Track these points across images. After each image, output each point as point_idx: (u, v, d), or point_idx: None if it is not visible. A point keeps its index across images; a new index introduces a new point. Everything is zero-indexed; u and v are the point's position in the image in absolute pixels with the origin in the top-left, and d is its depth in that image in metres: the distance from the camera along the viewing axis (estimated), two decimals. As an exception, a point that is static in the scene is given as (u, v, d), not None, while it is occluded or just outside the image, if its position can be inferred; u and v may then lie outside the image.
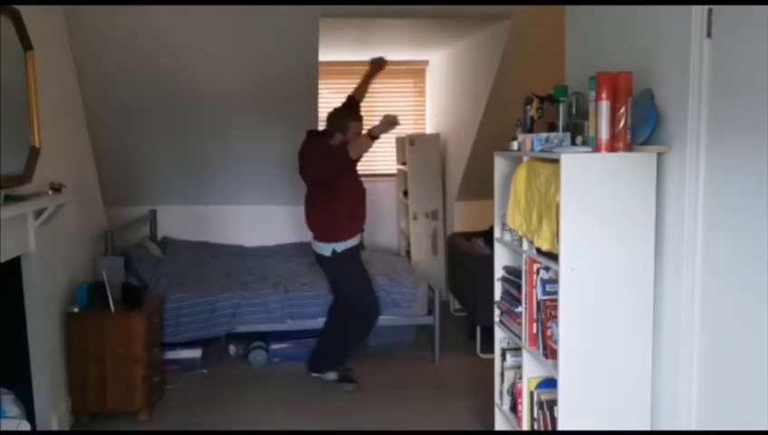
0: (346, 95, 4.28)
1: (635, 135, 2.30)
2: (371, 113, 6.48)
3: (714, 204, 2.07)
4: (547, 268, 2.51)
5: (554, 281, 2.45)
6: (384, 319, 4.55)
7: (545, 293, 2.51)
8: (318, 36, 4.09)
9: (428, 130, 6.56)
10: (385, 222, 6.36)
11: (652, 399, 2.38)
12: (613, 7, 2.59)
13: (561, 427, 2.39)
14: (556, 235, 2.33)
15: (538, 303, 2.54)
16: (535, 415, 2.65)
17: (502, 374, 3.03)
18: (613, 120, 2.27)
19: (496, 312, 3.03)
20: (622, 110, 2.25)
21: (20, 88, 3.07)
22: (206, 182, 5.26)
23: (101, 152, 4.43)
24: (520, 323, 2.70)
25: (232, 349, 4.67)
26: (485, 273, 3.27)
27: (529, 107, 2.81)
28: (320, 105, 4.80)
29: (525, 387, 2.71)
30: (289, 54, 4.17)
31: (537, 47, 4.32)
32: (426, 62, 6.48)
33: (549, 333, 2.47)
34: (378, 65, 4.29)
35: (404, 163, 6.11)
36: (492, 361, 3.15)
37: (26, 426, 3.04)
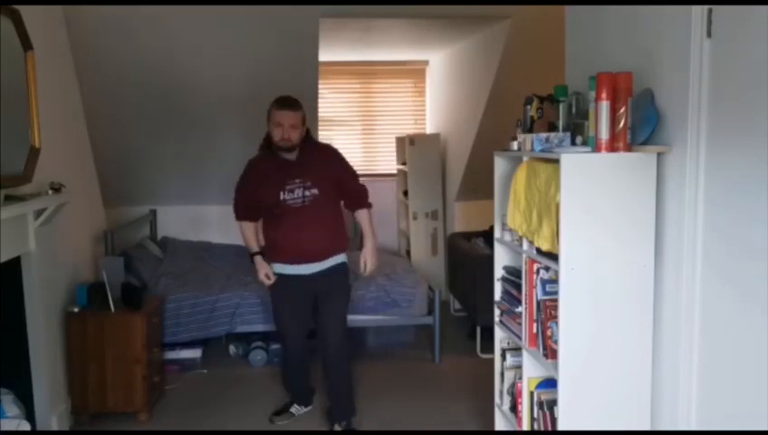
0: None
1: (635, 135, 2.30)
2: (371, 113, 6.52)
3: (714, 204, 2.07)
4: (547, 268, 2.51)
5: (554, 281, 2.45)
6: (384, 319, 4.55)
7: (545, 293, 2.51)
8: (318, 36, 4.09)
9: (428, 130, 6.56)
10: (385, 222, 6.36)
11: (652, 399, 2.38)
12: (613, 7, 2.59)
13: (561, 427, 2.39)
14: (556, 235, 2.33)
15: (538, 303, 2.54)
16: (535, 415, 2.65)
17: (502, 374, 3.03)
18: (613, 120, 2.27)
19: (496, 312, 3.02)
20: (622, 110, 2.25)
21: (20, 88, 3.07)
22: (206, 182, 5.26)
23: (101, 152, 4.43)
24: (520, 323, 2.70)
25: (232, 349, 4.67)
26: (485, 273, 3.27)
27: (529, 107, 2.81)
28: (320, 105, 4.80)
29: (525, 387, 2.71)
30: (289, 54, 4.17)
31: (537, 47, 4.33)
32: (426, 62, 6.49)
33: (549, 333, 2.47)
34: None
35: (404, 163, 6.12)
36: (492, 361, 3.15)
37: (26, 426, 3.04)
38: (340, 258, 3.48)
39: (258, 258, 3.47)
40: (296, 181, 3.32)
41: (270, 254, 3.47)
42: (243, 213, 3.52)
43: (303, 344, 3.61)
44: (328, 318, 3.49)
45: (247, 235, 3.52)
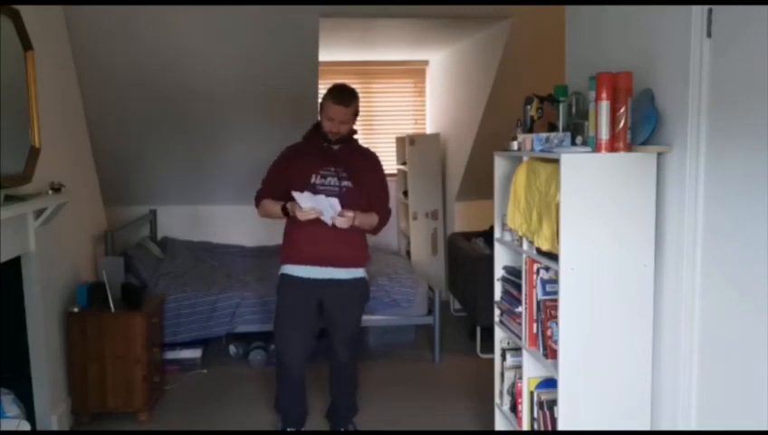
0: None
1: (635, 135, 2.30)
2: (371, 113, 6.52)
3: (714, 204, 2.07)
4: (547, 268, 2.51)
5: (554, 281, 2.45)
6: (384, 319, 4.56)
7: (545, 293, 2.51)
8: (318, 36, 4.09)
9: (428, 130, 6.56)
10: (385, 222, 6.34)
11: (652, 399, 2.38)
12: (613, 7, 2.59)
13: (561, 427, 2.39)
14: (556, 235, 2.33)
15: (538, 303, 2.54)
16: (535, 415, 2.65)
17: (502, 374, 3.03)
18: (613, 120, 2.27)
19: (496, 312, 3.03)
20: (622, 110, 2.25)
21: (20, 88, 3.07)
22: (207, 182, 5.26)
23: (101, 152, 4.43)
24: (520, 323, 2.70)
25: (232, 349, 4.67)
26: (485, 273, 3.27)
27: (529, 107, 2.81)
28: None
29: (525, 387, 2.71)
30: (289, 54, 4.17)
31: (537, 47, 4.33)
32: (426, 62, 6.48)
33: (549, 333, 2.47)
34: None
35: (404, 163, 6.12)
36: (492, 361, 3.15)
37: (26, 426, 3.04)
38: (358, 272, 3.28)
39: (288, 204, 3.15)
40: (331, 169, 3.19)
41: (283, 253, 3.28)
42: (265, 193, 3.29)
43: (303, 366, 3.33)
44: (338, 332, 3.31)
45: (269, 205, 3.24)
